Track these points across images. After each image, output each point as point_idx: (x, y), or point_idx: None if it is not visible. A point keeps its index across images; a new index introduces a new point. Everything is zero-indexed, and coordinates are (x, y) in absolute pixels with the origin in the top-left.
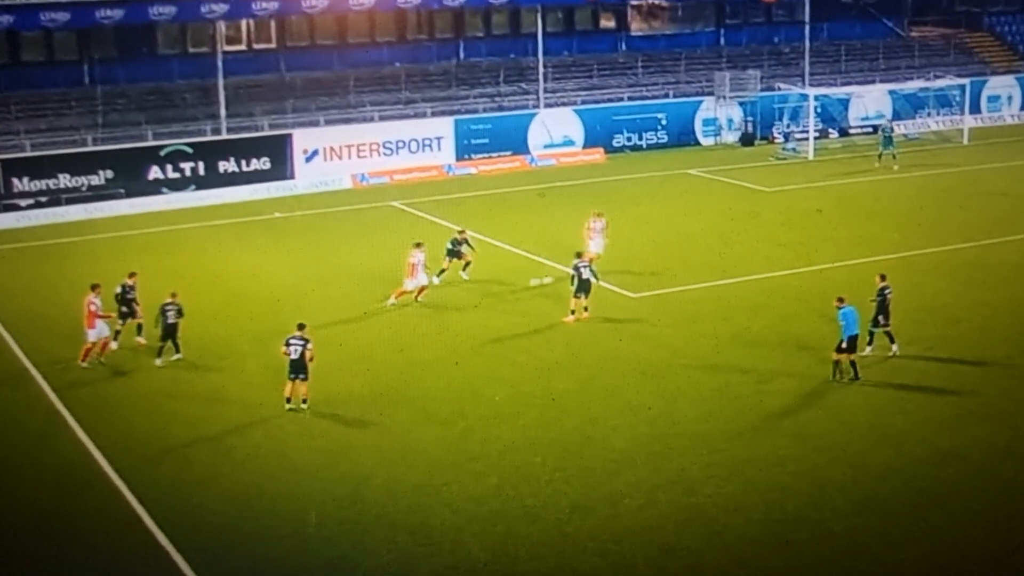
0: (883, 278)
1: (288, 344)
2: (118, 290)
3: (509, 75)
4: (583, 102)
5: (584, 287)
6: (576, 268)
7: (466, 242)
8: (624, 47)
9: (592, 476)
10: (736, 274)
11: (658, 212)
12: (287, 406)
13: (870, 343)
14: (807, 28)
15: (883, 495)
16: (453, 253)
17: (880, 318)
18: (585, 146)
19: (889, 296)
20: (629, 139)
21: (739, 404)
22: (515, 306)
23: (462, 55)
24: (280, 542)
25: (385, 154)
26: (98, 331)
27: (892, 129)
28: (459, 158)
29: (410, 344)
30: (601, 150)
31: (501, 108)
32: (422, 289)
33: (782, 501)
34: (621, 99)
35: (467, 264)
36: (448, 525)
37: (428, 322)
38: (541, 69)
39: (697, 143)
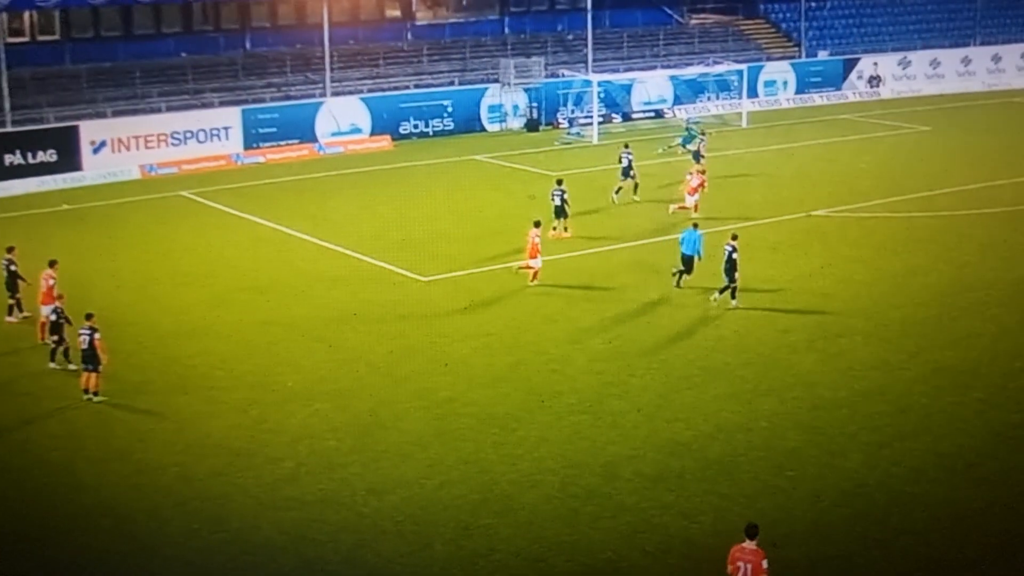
0: (733, 237)
1: (79, 335)
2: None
3: (296, 65)
4: (370, 90)
5: (560, 212)
6: (552, 195)
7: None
8: (410, 36)
9: (387, 459)
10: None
11: (446, 197)
12: (84, 397)
13: (720, 292)
14: (590, 16)
15: (673, 468)
16: (626, 172)
17: (726, 274)
18: (372, 134)
19: (727, 252)
20: (416, 126)
21: (531, 383)
22: (307, 295)
23: (248, 45)
24: (77, 535)
25: (173, 144)
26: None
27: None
28: (247, 147)
29: (203, 331)
30: (388, 137)
31: (288, 97)
32: (535, 273)
33: (576, 477)
34: (407, 87)
35: (637, 186)
36: (245, 511)
37: (222, 308)
38: (328, 59)
39: (483, 129)
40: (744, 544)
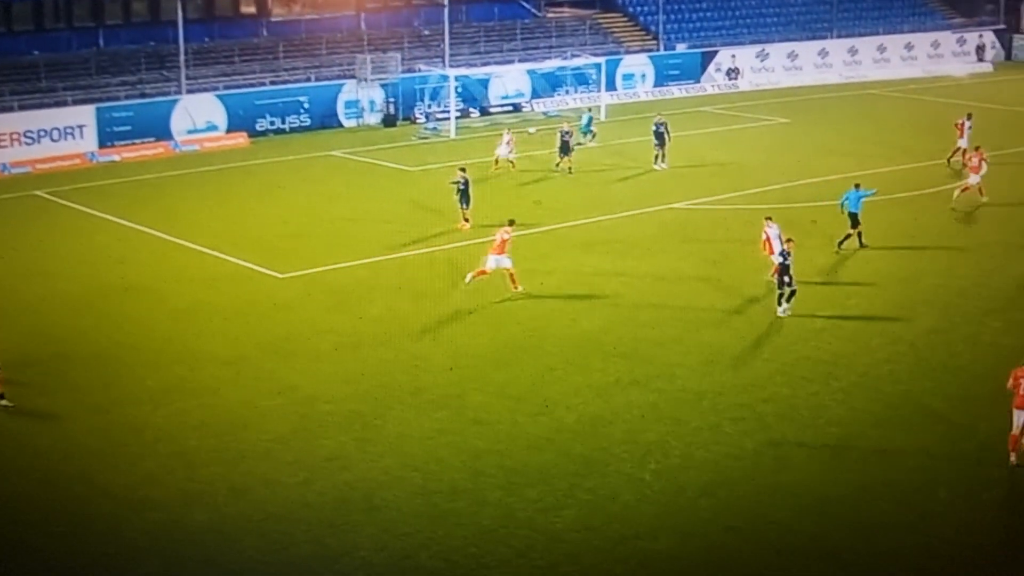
0: (788, 242)
1: None
2: None
3: (150, 62)
4: (226, 87)
5: (464, 198)
6: (458, 182)
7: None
8: (265, 32)
9: (248, 458)
10: (381, 252)
11: (302, 193)
12: None
13: (786, 301)
14: (447, 11)
15: (537, 463)
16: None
17: (785, 279)
18: (228, 131)
19: (780, 259)
20: (272, 123)
21: (391, 379)
22: (163, 293)
23: (102, 43)
24: None
25: (26, 143)
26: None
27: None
28: (102, 146)
29: (60, 333)
30: (245, 134)
31: (143, 95)
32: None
33: (439, 473)
34: (264, 84)
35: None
36: (105, 514)
37: (79, 309)
38: (183, 56)
39: (340, 125)
40: None
